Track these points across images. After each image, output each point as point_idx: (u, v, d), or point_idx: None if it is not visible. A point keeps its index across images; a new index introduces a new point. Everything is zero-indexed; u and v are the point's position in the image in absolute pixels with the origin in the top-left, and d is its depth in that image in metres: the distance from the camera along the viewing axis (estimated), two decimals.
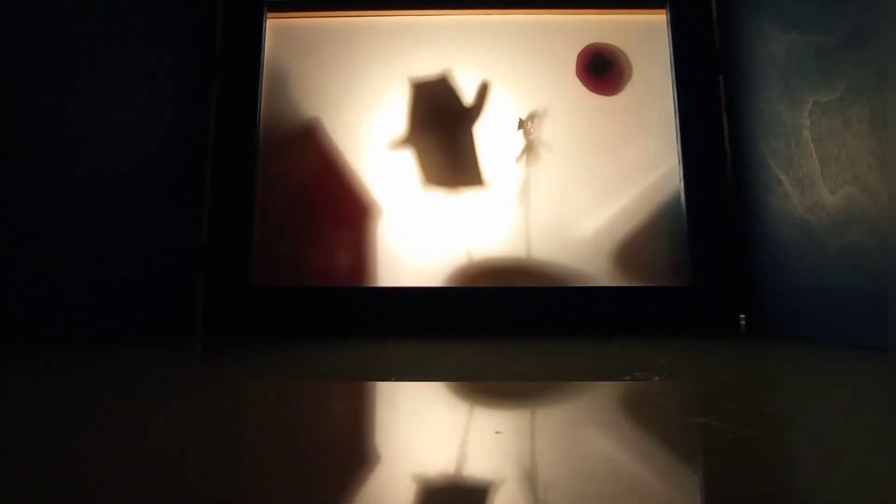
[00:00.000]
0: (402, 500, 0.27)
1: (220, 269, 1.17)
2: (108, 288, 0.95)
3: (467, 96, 1.23)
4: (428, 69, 1.24)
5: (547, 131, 1.22)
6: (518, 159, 1.20)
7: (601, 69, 1.23)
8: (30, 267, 0.81)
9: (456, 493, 0.27)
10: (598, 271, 1.17)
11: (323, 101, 1.24)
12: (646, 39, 1.24)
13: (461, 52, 1.25)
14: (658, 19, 1.25)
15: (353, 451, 0.36)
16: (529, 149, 1.20)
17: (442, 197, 1.20)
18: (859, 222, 0.79)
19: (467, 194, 1.20)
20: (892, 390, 0.52)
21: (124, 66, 1.00)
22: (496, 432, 0.37)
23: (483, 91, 1.22)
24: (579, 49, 1.24)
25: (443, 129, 1.22)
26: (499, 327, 1.13)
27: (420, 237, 1.19)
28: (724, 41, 1.20)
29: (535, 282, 1.17)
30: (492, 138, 1.22)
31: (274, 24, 1.27)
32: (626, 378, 0.58)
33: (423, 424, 0.43)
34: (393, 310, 1.15)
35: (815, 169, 0.89)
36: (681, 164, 1.18)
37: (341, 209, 1.20)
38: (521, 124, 1.19)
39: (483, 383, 0.58)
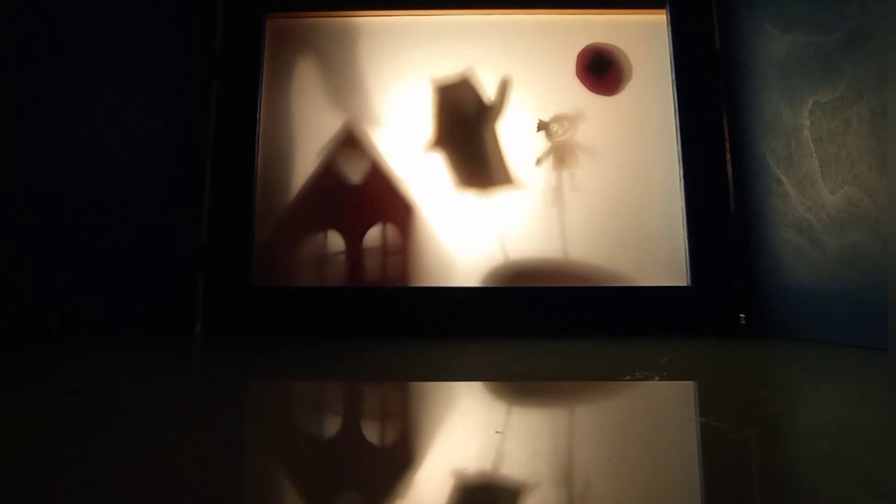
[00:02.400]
0: (404, 500, 0.27)
1: (219, 270, 1.17)
2: (109, 287, 0.95)
3: (488, 95, 1.23)
4: (427, 69, 1.24)
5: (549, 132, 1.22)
6: (539, 162, 1.19)
7: (601, 69, 1.23)
8: (30, 266, 0.81)
9: (454, 492, 0.27)
10: (596, 271, 1.17)
11: (323, 102, 1.24)
12: (646, 39, 1.24)
13: (461, 52, 1.25)
14: (658, 19, 1.25)
15: (356, 451, 0.36)
16: (555, 151, 1.19)
17: (470, 197, 1.20)
18: (859, 222, 0.79)
19: (492, 194, 1.20)
20: (892, 390, 0.52)
21: (124, 66, 1.00)
22: (496, 432, 0.37)
23: (503, 88, 1.21)
24: (578, 49, 1.24)
25: (466, 129, 1.22)
26: (496, 327, 1.13)
27: (442, 237, 1.19)
28: (724, 41, 1.20)
29: (538, 282, 1.17)
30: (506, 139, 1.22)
31: (274, 24, 1.27)
32: (627, 378, 0.58)
33: (420, 424, 0.43)
34: (391, 310, 1.15)
35: (815, 169, 0.89)
36: (681, 164, 1.18)
37: (359, 209, 1.21)
38: (542, 126, 1.17)
39: (481, 383, 0.58)
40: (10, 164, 0.78)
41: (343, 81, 1.24)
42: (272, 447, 0.36)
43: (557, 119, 1.20)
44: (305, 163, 1.22)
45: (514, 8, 1.25)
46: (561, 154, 1.19)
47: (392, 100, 1.24)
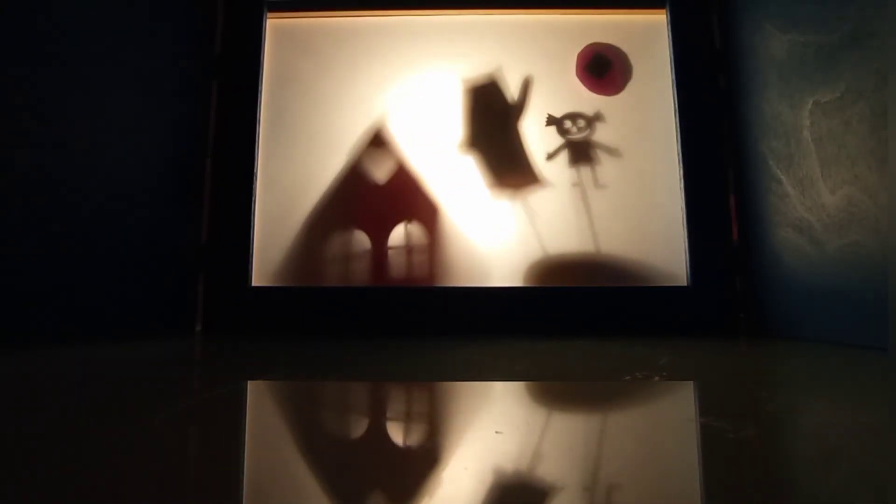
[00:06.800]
0: (403, 500, 0.27)
1: (219, 270, 1.17)
2: (109, 287, 0.95)
3: (512, 94, 1.22)
4: (428, 69, 1.24)
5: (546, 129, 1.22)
6: (550, 157, 1.19)
7: (601, 69, 1.23)
8: (29, 266, 0.80)
9: (452, 492, 0.27)
10: (596, 269, 1.17)
11: (323, 102, 1.24)
12: (646, 39, 1.24)
13: (462, 52, 1.25)
14: (658, 19, 1.25)
15: (354, 451, 0.36)
16: (568, 147, 1.18)
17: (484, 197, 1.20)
18: (859, 222, 0.79)
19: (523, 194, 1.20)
20: (892, 390, 0.52)
21: (124, 66, 1.00)
22: (496, 432, 0.37)
23: (525, 88, 1.20)
24: (578, 49, 1.24)
25: (492, 129, 1.22)
26: (493, 328, 1.13)
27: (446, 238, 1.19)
28: (724, 41, 1.20)
29: (540, 281, 1.17)
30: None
31: (274, 24, 1.27)
32: (627, 378, 0.58)
33: (418, 424, 0.43)
34: (389, 310, 1.15)
35: (815, 169, 0.89)
36: (681, 164, 1.18)
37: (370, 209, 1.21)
38: (551, 120, 1.16)
39: (480, 383, 0.58)
40: (10, 165, 0.78)
41: (344, 81, 1.24)
42: (272, 447, 0.36)
43: (571, 116, 1.19)
44: (309, 163, 1.22)
45: (513, 8, 1.25)
46: (578, 152, 1.19)
47: (390, 99, 1.24)
